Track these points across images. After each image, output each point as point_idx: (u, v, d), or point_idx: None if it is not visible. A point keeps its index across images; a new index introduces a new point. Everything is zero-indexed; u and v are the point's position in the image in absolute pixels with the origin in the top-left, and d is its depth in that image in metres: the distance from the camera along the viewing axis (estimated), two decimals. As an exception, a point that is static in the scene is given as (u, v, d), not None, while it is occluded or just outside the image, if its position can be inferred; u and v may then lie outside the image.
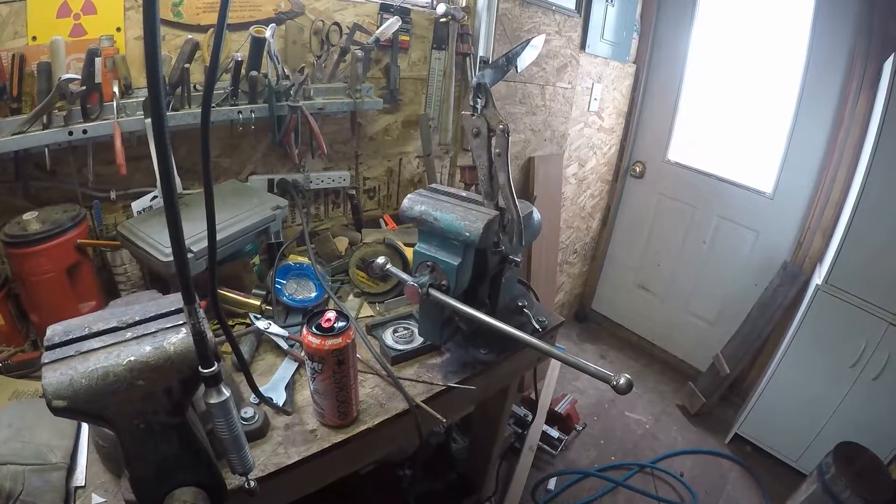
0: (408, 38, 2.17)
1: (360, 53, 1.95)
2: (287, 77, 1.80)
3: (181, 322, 0.80)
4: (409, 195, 1.30)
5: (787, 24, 2.94)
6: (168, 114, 1.48)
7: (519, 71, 1.39)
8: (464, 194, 1.33)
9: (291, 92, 1.81)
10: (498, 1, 2.34)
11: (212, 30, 1.65)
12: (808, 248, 2.96)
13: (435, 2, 2.24)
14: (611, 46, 3.18)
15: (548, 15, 2.64)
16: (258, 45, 1.66)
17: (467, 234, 1.16)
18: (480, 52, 2.35)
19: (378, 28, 1.99)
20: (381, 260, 1.33)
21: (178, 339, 0.77)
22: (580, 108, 3.12)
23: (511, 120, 2.70)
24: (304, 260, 1.68)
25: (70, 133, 1.35)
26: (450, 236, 1.19)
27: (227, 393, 0.81)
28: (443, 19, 2.16)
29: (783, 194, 3.09)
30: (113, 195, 1.57)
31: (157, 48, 0.60)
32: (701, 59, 3.34)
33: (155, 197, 1.59)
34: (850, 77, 2.71)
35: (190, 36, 1.57)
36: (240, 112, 1.70)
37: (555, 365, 3.01)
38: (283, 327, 1.45)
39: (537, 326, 1.50)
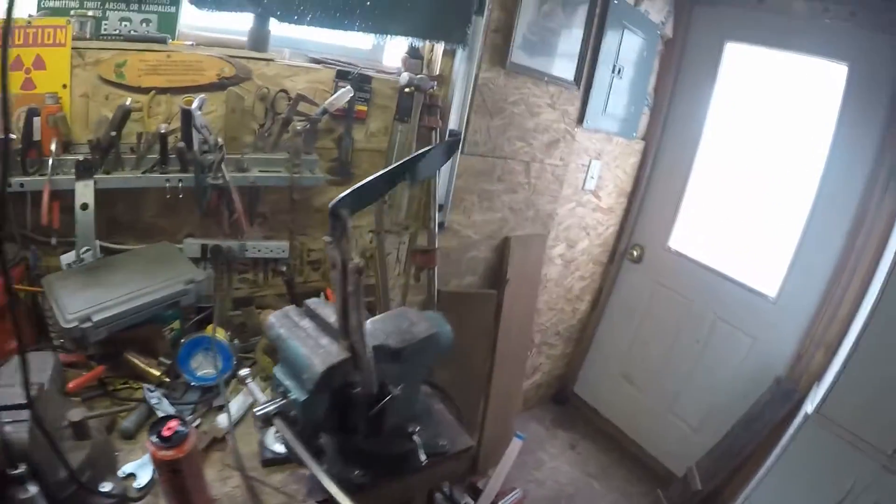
0: (365, 108, 1.89)
1: (300, 126, 1.68)
2: (220, 148, 1.60)
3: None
4: (276, 312, 1.20)
5: (811, 109, 2.60)
6: (98, 176, 1.46)
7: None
8: (332, 320, 1.12)
9: (212, 167, 1.60)
10: (478, 70, 2.05)
11: (153, 92, 1.59)
12: (807, 364, 2.57)
13: (401, 69, 1.95)
14: (615, 121, 2.86)
15: (539, 86, 2.34)
16: (187, 116, 1.53)
17: (306, 375, 1.04)
18: (452, 126, 2.05)
19: (327, 98, 1.71)
20: (243, 371, 1.24)
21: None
22: (573, 187, 2.79)
23: (486, 198, 2.39)
24: (221, 333, 1.56)
25: (9, 185, 1.35)
26: (297, 370, 1.07)
27: (32, 490, 0.85)
28: (406, 89, 1.87)
29: (788, 300, 2.71)
30: (54, 241, 1.49)
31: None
32: (715, 142, 3.00)
33: (87, 250, 1.50)
34: (879, 168, 2.35)
35: (127, 101, 1.51)
36: (167, 180, 1.59)
37: (511, 451, 2.66)
38: (175, 403, 1.39)
39: (423, 458, 1.25)
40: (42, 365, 1.13)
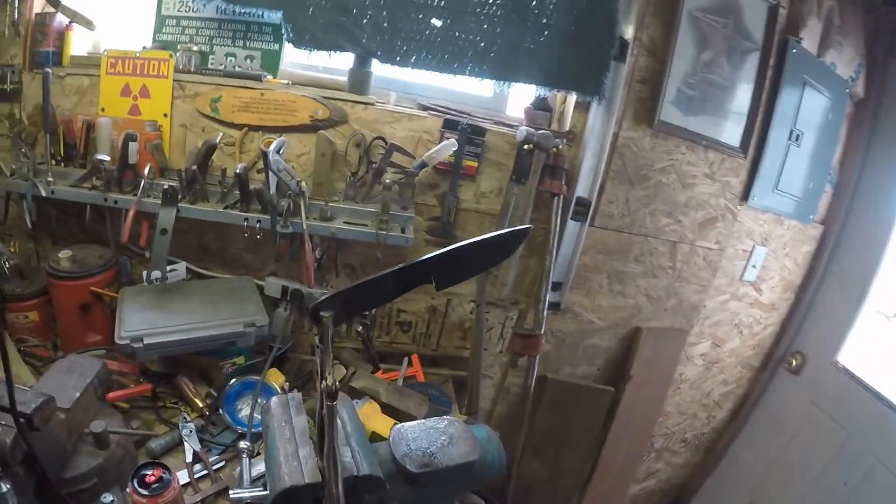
0: (475, 164, 1.55)
1: (389, 179, 1.37)
2: (300, 194, 1.45)
3: None
4: (278, 397, 1.04)
5: None
6: (182, 205, 1.47)
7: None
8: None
9: (285, 212, 1.46)
10: (618, 128, 1.63)
11: (246, 129, 1.56)
12: None
13: (525, 117, 1.58)
14: (789, 199, 2.24)
15: (695, 152, 1.85)
16: (265, 157, 1.43)
17: (272, 483, 0.89)
18: (581, 192, 1.63)
19: (427, 150, 1.39)
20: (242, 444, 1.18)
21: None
22: (729, 276, 2.21)
23: (617, 279, 1.91)
24: (279, 381, 1.49)
25: (105, 199, 1.46)
26: (269, 473, 0.93)
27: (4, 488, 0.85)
28: (525, 146, 1.49)
29: None
30: (148, 254, 1.52)
31: None
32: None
33: (172, 270, 1.59)
34: None
35: (218, 137, 1.51)
36: (245, 220, 1.49)
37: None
38: (206, 440, 1.32)
39: None
40: (86, 370, 1.17)
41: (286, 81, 1.55)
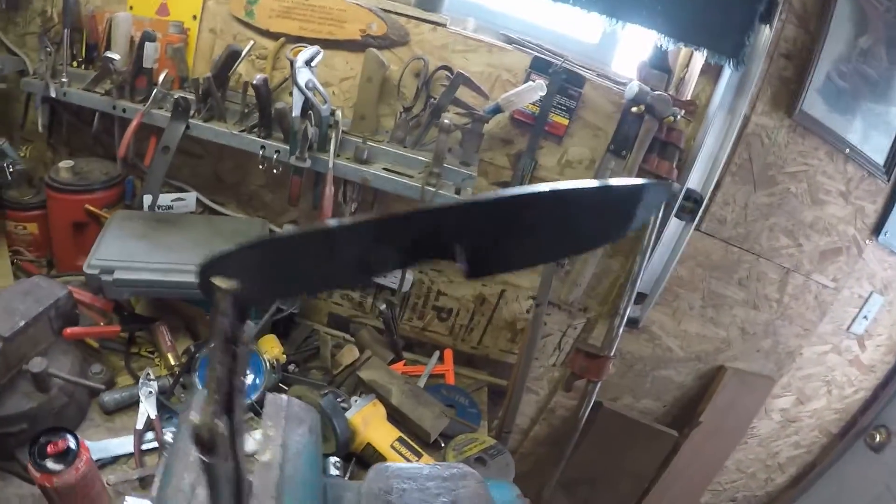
0: (566, 122, 1.14)
1: (449, 122, 0.98)
2: (334, 123, 1.12)
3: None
4: (204, 395, 0.52)
5: None
6: (193, 122, 1.20)
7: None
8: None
9: (307, 143, 1.10)
10: (750, 110, 1.20)
11: (282, 39, 1.24)
12: None
13: (637, 76, 1.17)
14: (925, 244, 1.75)
15: (834, 160, 1.40)
16: (292, 69, 1.09)
17: None
18: (691, 184, 1.21)
19: (507, 91, 1.00)
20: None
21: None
22: (835, 323, 1.74)
23: (713, 302, 1.48)
24: (274, 351, 1.17)
25: (114, 107, 1.23)
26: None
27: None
28: (634, 108, 1.07)
29: None
30: None
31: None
32: None
33: (179, 200, 1.34)
34: None
35: (248, 44, 1.22)
36: (262, 147, 1.17)
37: None
38: (168, 406, 1.03)
39: None
40: (44, 296, 0.97)
41: (340, -16, 1.19)
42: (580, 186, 0.32)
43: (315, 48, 1.07)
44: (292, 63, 1.05)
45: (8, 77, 1.36)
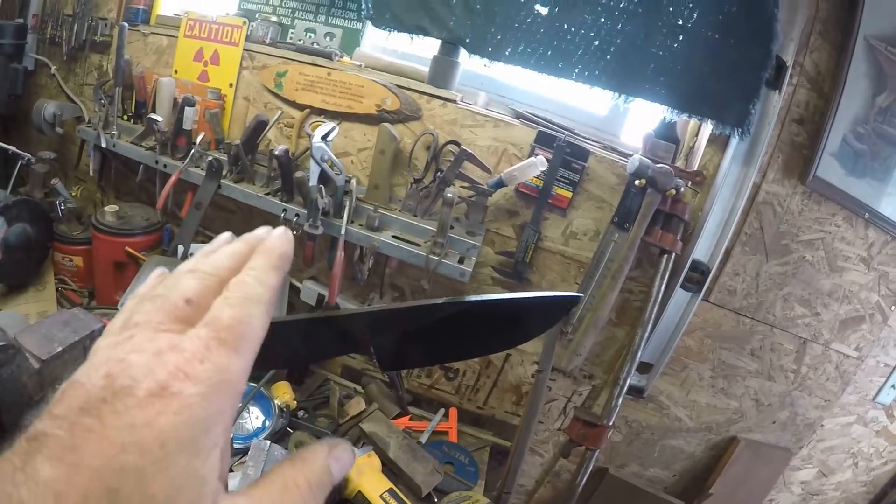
0: (569, 195, 1.12)
1: (453, 195, 0.97)
2: (345, 193, 1.14)
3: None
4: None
5: None
6: (224, 182, 1.26)
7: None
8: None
9: (320, 210, 1.13)
10: (760, 178, 1.16)
11: (307, 110, 1.28)
12: None
13: (643, 147, 1.14)
14: (955, 312, 1.61)
15: (853, 226, 1.32)
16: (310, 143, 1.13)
17: None
18: (698, 254, 1.16)
19: (511, 166, 0.99)
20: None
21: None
22: (860, 393, 1.61)
23: (724, 373, 1.39)
24: (285, 397, 1.17)
25: (156, 161, 1.33)
26: None
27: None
28: (636, 182, 1.04)
29: None
30: None
31: None
32: None
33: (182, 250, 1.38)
34: None
35: (276, 114, 1.27)
36: (284, 210, 1.20)
37: None
38: None
39: None
40: (82, 327, 0.98)
41: (359, 63, 1.22)
42: (478, 300, 0.36)
43: (332, 124, 1.10)
44: (310, 137, 1.07)
45: (66, 122, 1.48)
